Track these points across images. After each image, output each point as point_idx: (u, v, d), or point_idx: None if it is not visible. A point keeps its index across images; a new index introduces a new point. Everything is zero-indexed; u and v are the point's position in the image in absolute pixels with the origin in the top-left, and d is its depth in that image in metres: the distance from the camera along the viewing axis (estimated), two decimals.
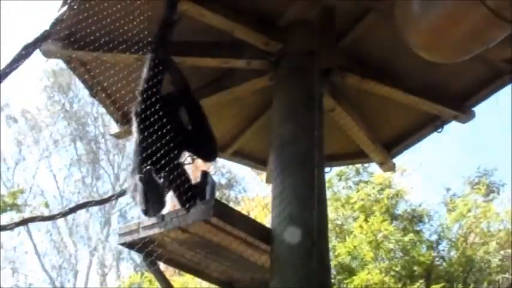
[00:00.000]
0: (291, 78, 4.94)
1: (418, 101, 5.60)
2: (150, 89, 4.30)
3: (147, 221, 4.39)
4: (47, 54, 5.19)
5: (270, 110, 5.49)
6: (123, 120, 5.86)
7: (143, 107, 4.31)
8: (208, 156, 4.72)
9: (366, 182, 11.01)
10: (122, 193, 6.58)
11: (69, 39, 5.09)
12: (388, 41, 5.33)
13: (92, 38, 4.85)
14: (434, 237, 10.61)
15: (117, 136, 6.15)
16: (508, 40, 4.44)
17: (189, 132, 4.47)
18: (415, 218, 10.62)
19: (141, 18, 4.68)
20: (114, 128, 6.10)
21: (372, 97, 5.72)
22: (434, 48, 4.07)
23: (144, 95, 4.31)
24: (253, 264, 4.64)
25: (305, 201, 4.34)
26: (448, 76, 5.64)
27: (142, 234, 4.41)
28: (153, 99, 4.26)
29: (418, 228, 10.59)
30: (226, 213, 4.13)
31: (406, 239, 9.39)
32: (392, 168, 6.49)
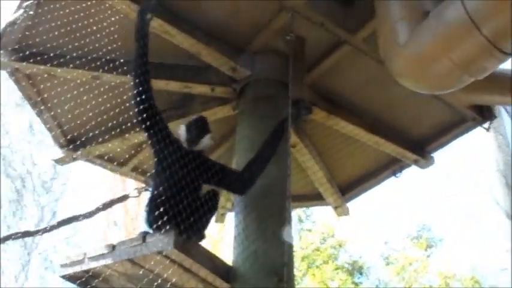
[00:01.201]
0: (257, 106, 4.65)
1: (381, 142, 5.42)
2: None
3: (95, 250, 3.88)
4: None
5: (230, 140, 5.17)
6: (68, 145, 5.39)
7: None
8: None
9: (309, 230, 10.75)
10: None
11: (17, 47, 4.60)
12: (357, 79, 5.19)
13: (43, 48, 4.41)
14: None
15: (59, 161, 5.60)
16: (473, 85, 4.34)
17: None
18: (355, 270, 10.38)
19: (103, 33, 4.31)
20: (56, 152, 5.58)
21: (333, 137, 5.53)
22: (421, 77, 3.87)
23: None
24: None
25: (273, 238, 3.95)
26: (411, 119, 5.54)
27: (88, 265, 3.88)
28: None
29: (357, 281, 10.34)
30: (187, 246, 3.67)
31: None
32: (346, 212, 6.23)
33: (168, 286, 3.78)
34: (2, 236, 6.44)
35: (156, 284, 3.70)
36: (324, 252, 10.13)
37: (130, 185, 6.24)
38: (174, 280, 3.78)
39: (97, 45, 4.39)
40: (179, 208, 3.70)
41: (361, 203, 6.59)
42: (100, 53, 4.42)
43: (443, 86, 3.95)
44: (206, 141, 4.14)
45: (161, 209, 3.64)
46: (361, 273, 10.60)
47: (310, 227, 11.03)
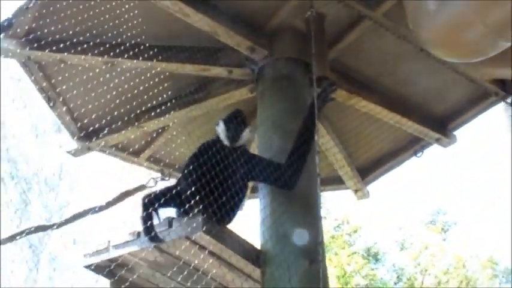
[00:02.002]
0: (278, 87, 4.50)
1: (402, 120, 5.28)
2: None
3: (119, 238, 3.76)
4: (3, 53, 4.53)
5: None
6: (83, 136, 5.27)
7: None
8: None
9: (324, 218, 10.63)
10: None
11: (28, 36, 4.46)
12: (377, 56, 5.05)
13: (56, 37, 4.29)
14: (389, 276, 10.28)
15: (74, 154, 5.47)
16: (497, 58, 4.20)
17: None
18: (370, 256, 10.27)
19: (121, 19, 4.20)
20: (71, 144, 5.45)
21: (352, 117, 5.40)
22: (453, 44, 3.74)
23: None
24: None
25: (303, 220, 3.82)
26: (433, 96, 5.39)
27: (113, 254, 3.76)
28: None
29: (373, 266, 10.24)
30: (216, 231, 3.54)
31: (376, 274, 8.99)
32: (366, 195, 6.09)
33: (198, 274, 3.66)
34: (15, 232, 6.30)
35: (185, 272, 3.57)
36: (339, 239, 10.01)
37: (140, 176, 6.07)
38: (203, 267, 3.66)
39: (115, 32, 4.30)
40: (207, 192, 3.59)
41: (375, 187, 6.47)
42: (117, 39, 4.30)
43: (475, 52, 3.81)
44: (246, 135, 4.07)
45: (190, 194, 3.52)
46: (376, 260, 10.48)
47: (324, 214, 10.91)
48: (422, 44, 4.01)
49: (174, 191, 3.74)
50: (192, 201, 3.52)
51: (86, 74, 4.55)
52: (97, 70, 4.64)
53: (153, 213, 3.65)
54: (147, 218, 3.58)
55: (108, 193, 5.88)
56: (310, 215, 3.89)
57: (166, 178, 5.74)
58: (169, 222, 3.61)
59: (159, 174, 5.78)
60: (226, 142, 4.00)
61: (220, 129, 4.05)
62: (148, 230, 3.53)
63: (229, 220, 3.85)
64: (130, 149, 5.39)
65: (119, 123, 4.89)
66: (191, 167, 3.75)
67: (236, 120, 4.05)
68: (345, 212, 10.44)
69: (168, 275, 3.85)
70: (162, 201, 3.67)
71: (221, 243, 3.56)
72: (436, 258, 10.32)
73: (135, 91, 4.47)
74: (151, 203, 3.65)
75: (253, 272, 3.79)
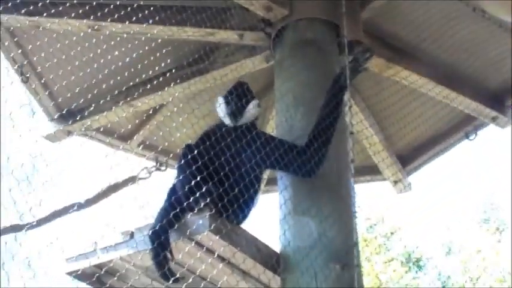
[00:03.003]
0: (300, 54, 4.44)
1: (452, 95, 5.25)
2: None
3: (108, 239, 3.73)
4: None
5: (263, 99, 5.02)
6: (62, 117, 5.25)
7: None
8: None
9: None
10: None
11: None
12: (420, 17, 5.02)
13: None
14: (434, 286, 10.29)
15: (51, 139, 5.46)
16: None
17: None
18: (410, 263, 10.27)
19: None
20: (47, 127, 5.44)
21: (391, 92, 5.34)
22: None
23: None
24: None
25: (332, 217, 3.76)
26: (489, 67, 5.37)
27: (100, 258, 3.73)
28: None
29: (414, 275, 10.24)
30: (227, 230, 3.48)
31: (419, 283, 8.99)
32: (407, 188, 6.07)
33: (205, 283, 3.63)
34: None
35: (188, 281, 3.53)
36: (373, 242, 10.00)
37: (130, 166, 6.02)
38: (211, 275, 3.63)
39: None
40: (217, 187, 3.54)
41: (418, 178, 6.42)
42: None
43: None
44: (252, 110, 3.99)
45: (194, 189, 3.47)
46: (418, 267, 10.48)
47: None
48: (475, 1, 3.95)
49: (175, 202, 3.65)
50: (197, 194, 3.46)
51: (66, 41, 4.50)
52: (77, 37, 4.59)
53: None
54: (157, 252, 3.48)
55: (92, 187, 5.85)
56: (341, 210, 3.83)
57: (162, 168, 5.71)
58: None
59: (153, 163, 5.76)
60: (227, 121, 3.95)
61: (220, 108, 4.00)
62: (169, 271, 3.49)
63: (242, 218, 3.81)
64: (118, 133, 5.36)
65: (105, 101, 4.85)
66: (190, 161, 3.66)
67: (237, 93, 3.98)
68: (380, 209, 10.39)
69: (167, 285, 3.81)
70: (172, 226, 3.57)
71: (233, 246, 3.49)
72: (489, 263, 10.29)
73: (123, 62, 4.41)
74: (161, 239, 3.55)
75: (272, 280, 3.74)
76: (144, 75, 4.58)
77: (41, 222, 5.67)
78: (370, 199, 10.29)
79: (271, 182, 5.65)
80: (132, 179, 5.96)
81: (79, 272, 3.73)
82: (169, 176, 5.24)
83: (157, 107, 5.33)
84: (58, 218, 5.69)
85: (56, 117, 5.29)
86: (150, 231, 3.53)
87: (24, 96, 5.40)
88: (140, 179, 5.98)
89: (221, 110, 3.98)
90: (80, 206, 5.61)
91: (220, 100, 4.00)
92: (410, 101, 5.39)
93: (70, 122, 5.21)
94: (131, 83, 4.93)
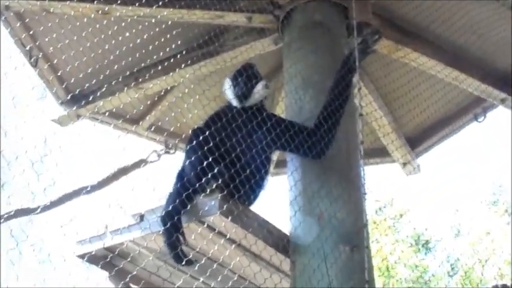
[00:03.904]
0: (308, 36, 4.44)
1: (461, 77, 5.22)
2: None
3: (119, 221, 3.74)
4: None
5: (272, 81, 5.01)
6: (71, 100, 5.25)
7: None
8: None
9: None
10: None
11: None
12: (427, 0, 4.97)
13: None
14: (442, 268, 10.28)
15: (60, 122, 5.45)
16: None
17: None
18: (419, 245, 10.26)
19: None
20: (56, 111, 5.44)
21: (399, 73, 5.31)
22: None
23: None
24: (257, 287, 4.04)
25: (342, 199, 3.76)
26: (498, 48, 5.32)
27: (111, 241, 3.74)
28: None
29: (423, 257, 10.24)
30: (237, 212, 3.48)
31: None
32: (417, 170, 6.05)
33: (215, 265, 3.63)
34: None
35: (198, 264, 3.53)
36: (382, 224, 9.99)
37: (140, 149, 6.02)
38: (222, 258, 3.62)
39: None
40: (227, 168, 3.53)
41: (427, 160, 6.40)
42: None
43: None
44: (260, 92, 3.97)
45: (206, 170, 3.46)
46: (427, 249, 10.46)
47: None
48: None
49: (186, 183, 3.64)
50: (208, 176, 3.46)
51: (74, 24, 4.51)
52: (86, 19, 4.58)
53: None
54: (169, 233, 3.49)
55: (101, 170, 5.86)
56: (351, 192, 3.83)
57: (172, 151, 5.71)
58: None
59: (162, 147, 5.76)
60: (235, 103, 3.94)
61: (228, 90, 3.99)
62: (173, 246, 3.49)
63: (253, 200, 3.80)
64: (128, 116, 5.35)
65: (114, 84, 4.88)
66: (200, 143, 3.65)
67: (245, 74, 3.97)
68: (389, 191, 10.36)
69: (179, 267, 3.82)
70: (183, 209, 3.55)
71: (243, 228, 3.50)
72: (498, 245, 10.26)
73: (133, 44, 4.42)
74: (173, 221, 3.52)
75: (283, 262, 3.75)
76: (154, 58, 4.57)
77: (51, 205, 5.68)
78: (380, 181, 10.26)
79: (281, 164, 5.65)
80: (141, 162, 5.96)
81: (90, 255, 3.76)
82: (178, 159, 5.24)
83: (167, 89, 5.32)
84: (69, 201, 5.70)
85: (65, 100, 5.28)
86: (162, 213, 3.54)
87: (35, 78, 5.41)
88: (149, 162, 5.99)
89: (229, 91, 3.97)
90: (90, 189, 5.62)
91: (228, 82, 3.99)
92: (419, 83, 5.35)
93: (80, 105, 5.21)
94: (141, 66, 4.94)
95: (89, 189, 5.48)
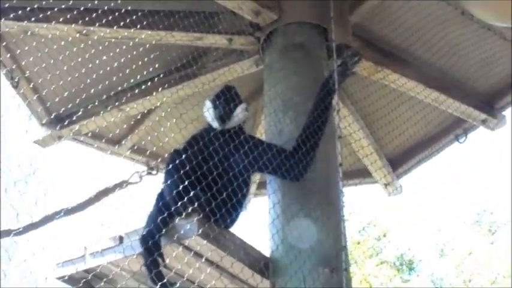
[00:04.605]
0: (289, 58, 4.43)
1: (441, 98, 5.25)
2: None
3: (96, 244, 3.71)
4: None
5: (252, 104, 5.02)
6: (52, 122, 5.24)
7: None
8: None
9: (346, 220, 10.58)
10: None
11: None
12: (409, 20, 5.01)
13: (20, 1, 4.23)
14: None
15: (42, 143, 5.43)
16: None
17: None
18: (403, 265, 10.25)
19: None
20: (37, 132, 5.42)
21: (380, 95, 5.34)
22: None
23: None
24: None
25: (322, 220, 3.76)
26: (478, 70, 5.38)
27: (90, 263, 3.72)
28: None
29: (407, 277, 10.23)
30: (215, 234, 3.47)
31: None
32: (398, 190, 6.06)
33: (193, 287, 3.61)
34: None
35: (177, 284, 3.53)
36: (365, 244, 9.97)
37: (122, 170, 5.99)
38: (199, 279, 3.59)
39: None
40: (205, 191, 3.52)
41: (409, 181, 6.41)
42: (91, 4, 4.23)
43: None
44: (240, 115, 3.97)
45: (182, 194, 3.45)
46: (411, 269, 10.45)
47: (345, 216, 10.87)
48: (463, 5, 3.95)
49: (163, 206, 3.62)
50: (185, 199, 3.45)
51: (55, 45, 4.48)
52: (65, 42, 4.56)
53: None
54: (151, 265, 3.46)
55: (83, 191, 5.83)
56: (330, 214, 3.84)
57: (154, 172, 5.69)
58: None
59: (144, 168, 5.73)
60: (215, 125, 3.93)
61: (208, 111, 3.98)
62: (158, 276, 3.46)
63: (231, 222, 3.79)
64: (109, 137, 5.34)
65: (95, 106, 4.88)
66: (178, 165, 3.63)
67: (225, 97, 3.96)
68: (371, 211, 10.37)
69: None
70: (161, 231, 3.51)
71: (221, 249, 3.48)
72: (481, 265, 10.27)
73: (114, 65, 4.38)
74: (151, 244, 3.49)
75: (260, 283, 3.72)
76: (132, 80, 4.58)
77: (33, 226, 5.65)
78: (362, 201, 10.29)
79: (263, 185, 5.65)
80: (123, 183, 5.94)
81: (68, 277, 3.75)
82: (161, 180, 5.24)
83: (146, 112, 5.31)
84: (50, 222, 5.67)
85: (45, 121, 5.26)
86: (141, 236, 3.52)
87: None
88: (131, 183, 5.96)
89: (209, 113, 3.96)
90: (72, 210, 5.60)
91: (208, 104, 3.99)
92: (399, 104, 5.37)
93: (59, 127, 5.19)
94: (120, 88, 4.93)
95: (67, 212, 5.47)
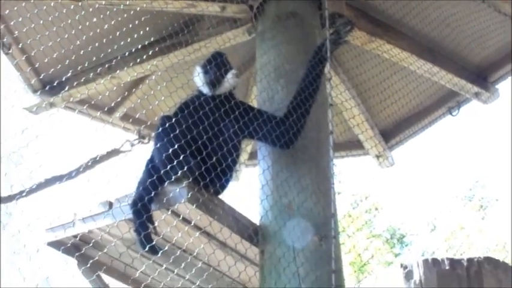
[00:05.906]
0: (281, 26, 4.41)
1: (434, 70, 5.24)
2: None
3: (87, 210, 3.71)
4: None
5: (245, 73, 4.98)
6: (42, 87, 5.20)
7: None
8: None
9: (338, 193, 10.60)
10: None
11: None
12: None
13: None
14: None
15: (34, 110, 5.40)
16: None
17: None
18: (394, 239, 10.30)
19: None
20: (28, 99, 5.38)
21: (373, 65, 5.28)
22: None
23: None
24: (222, 274, 4.04)
25: (311, 187, 3.75)
26: (472, 42, 5.35)
27: (79, 228, 3.72)
28: None
29: (398, 251, 10.28)
30: (204, 200, 3.46)
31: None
32: (390, 162, 6.05)
33: (180, 252, 3.60)
34: None
35: (162, 250, 3.50)
36: (357, 218, 10.00)
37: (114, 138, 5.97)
38: (187, 244, 3.59)
39: None
40: (195, 156, 3.50)
41: (401, 153, 6.41)
42: None
43: None
44: (230, 80, 3.95)
45: (172, 158, 3.43)
46: (402, 243, 10.50)
47: (338, 189, 10.89)
48: None
49: (153, 171, 3.61)
50: (174, 163, 3.43)
51: (47, 12, 4.43)
52: (60, 8, 4.51)
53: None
54: (140, 228, 3.46)
55: (76, 159, 5.81)
56: (320, 181, 3.81)
57: (145, 141, 5.67)
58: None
59: (136, 136, 5.71)
60: (206, 90, 3.91)
61: (198, 77, 3.96)
62: (147, 239, 3.46)
63: (221, 187, 3.78)
64: (102, 105, 5.30)
65: (86, 72, 4.81)
66: (168, 130, 3.62)
67: (215, 62, 3.94)
68: (365, 185, 10.37)
69: (143, 252, 3.79)
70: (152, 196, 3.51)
71: (210, 215, 3.47)
72: (473, 240, 10.31)
73: (107, 34, 4.36)
74: (140, 207, 3.49)
75: (249, 250, 3.73)
76: (126, 48, 4.52)
77: (25, 193, 5.64)
78: (356, 175, 10.30)
79: (254, 155, 5.64)
80: (115, 152, 5.92)
81: (57, 242, 3.77)
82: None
83: (138, 79, 5.28)
84: (43, 189, 5.66)
85: (37, 88, 5.23)
86: (131, 200, 3.52)
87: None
88: (122, 151, 5.95)
89: (199, 79, 3.95)
90: (65, 178, 5.58)
91: (199, 69, 3.97)
92: (391, 74, 5.32)
93: (52, 94, 5.16)
94: (112, 55, 4.88)
95: (63, 178, 5.46)
